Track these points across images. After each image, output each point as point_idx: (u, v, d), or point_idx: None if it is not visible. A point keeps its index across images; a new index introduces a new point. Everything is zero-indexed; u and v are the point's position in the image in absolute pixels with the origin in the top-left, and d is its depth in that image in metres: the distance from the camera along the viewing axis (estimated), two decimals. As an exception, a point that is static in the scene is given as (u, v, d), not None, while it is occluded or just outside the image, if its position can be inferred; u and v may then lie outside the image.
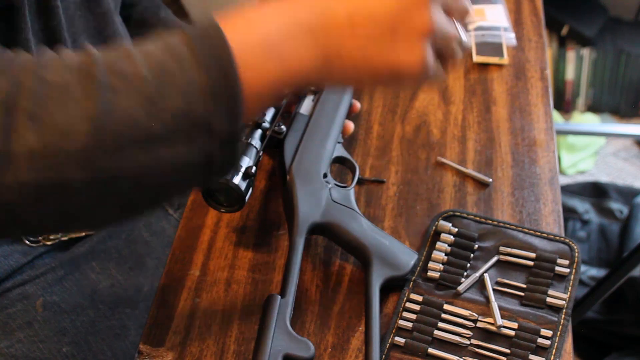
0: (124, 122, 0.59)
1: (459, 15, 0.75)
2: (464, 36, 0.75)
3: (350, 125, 1.03)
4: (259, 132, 0.93)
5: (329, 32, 0.67)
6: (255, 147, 0.91)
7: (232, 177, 0.86)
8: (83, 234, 1.05)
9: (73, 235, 1.03)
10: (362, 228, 0.90)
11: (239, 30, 0.64)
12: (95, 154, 0.58)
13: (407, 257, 0.90)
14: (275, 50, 0.65)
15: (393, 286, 0.90)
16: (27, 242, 1.00)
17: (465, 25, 0.76)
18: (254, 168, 0.88)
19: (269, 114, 0.96)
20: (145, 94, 0.60)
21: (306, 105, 1.00)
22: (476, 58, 1.19)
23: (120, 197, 0.62)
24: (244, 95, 0.63)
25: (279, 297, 0.82)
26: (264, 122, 0.94)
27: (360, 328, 0.88)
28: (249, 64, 0.63)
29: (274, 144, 0.95)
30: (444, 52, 0.73)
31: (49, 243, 1.02)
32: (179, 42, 0.62)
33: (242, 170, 0.87)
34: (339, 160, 0.99)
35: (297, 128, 0.97)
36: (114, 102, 0.59)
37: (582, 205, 2.16)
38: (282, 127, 0.96)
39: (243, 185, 0.87)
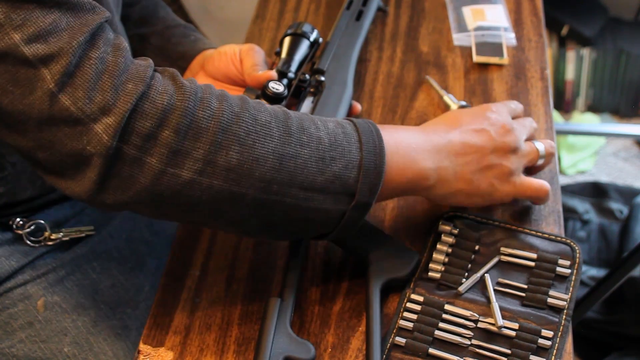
0: (301, 168, 0.77)
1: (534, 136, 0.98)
2: (541, 149, 0.96)
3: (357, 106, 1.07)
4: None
5: (446, 154, 0.87)
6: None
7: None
8: (84, 234, 1.05)
9: (74, 236, 1.03)
10: (363, 229, 0.90)
11: (390, 134, 0.84)
12: (271, 183, 0.76)
13: (407, 258, 0.90)
14: (410, 155, 0.85)
15: (394, 287, 0.90)
16: (28, 242, 1.00)
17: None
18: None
19: None
20: (320, 153, 0.78)
21: (305, 107, 1.00)
22: (476, 58, 1.19)
23: (271, 218, 0.79)
24: (384, 179, 0.81)
25: (279, 300, 0.82)
26: None
27: (361, 328, 0.88)
28: (391, 159, 0.83)
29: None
30: (530, 164, 0.96)
31: (50, 243, 1.02)
32: (348, 124, 0.82)
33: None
34: None
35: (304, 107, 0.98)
36: (298, 151, 0.77)
37: (582, 205, 2.15)
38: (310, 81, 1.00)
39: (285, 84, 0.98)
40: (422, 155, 0.85)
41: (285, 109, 0.81)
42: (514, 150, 0.91)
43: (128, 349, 1.00)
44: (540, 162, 0.96)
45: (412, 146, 0.85)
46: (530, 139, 0.96)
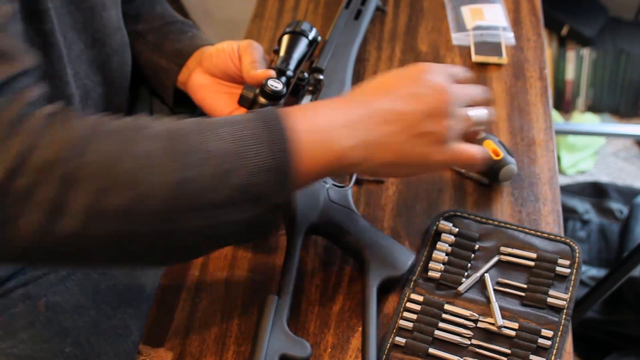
0: (199, 189, 0.70)
1: (480, 103, 0.90)
2: (472, 114, 0.87)
3: None
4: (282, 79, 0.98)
5: (370, 126, 0.80)
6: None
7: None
8: None
9: None
10: (360, 228, 0.90)
11: (303, 118, 0.77)
12: (168, 213, 0.70)
13: (404, 257, 0.90)
14: (328, 138, 0.77)
15: (391, 286, 0.90)
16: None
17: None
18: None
19: None
20: (219, 167, 0.71)
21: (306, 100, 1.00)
22: (475, 57, 1.19)
23: (180, 243, 0.73)
24: (296, 174, 0.75)
25: (277, 297, 0.82)
26: None
27: (360, 328, 0.87)
28: (305, 147, 0.75)
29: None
30: (464, 130, 0.87)
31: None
32: (254, 122, 0.75)
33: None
34: None
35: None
36: (192, 173, 0.70)
37: (582, 205, 2.15)
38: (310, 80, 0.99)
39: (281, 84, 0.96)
40: (341, 133, 0.78)
41: (178, 123, 0.73)
42: (448, 115, 0.83)
43: (129, 349, 1.00)
44: (474, 127, 0.89)
45: (330, 126, 0.78)
46: (470, 105, 0.89)
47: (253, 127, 0.74)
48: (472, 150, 0.86)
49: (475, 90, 0.89)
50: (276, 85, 0.97)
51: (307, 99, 1.01)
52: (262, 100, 0.98)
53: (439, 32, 1.24)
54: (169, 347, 0.86)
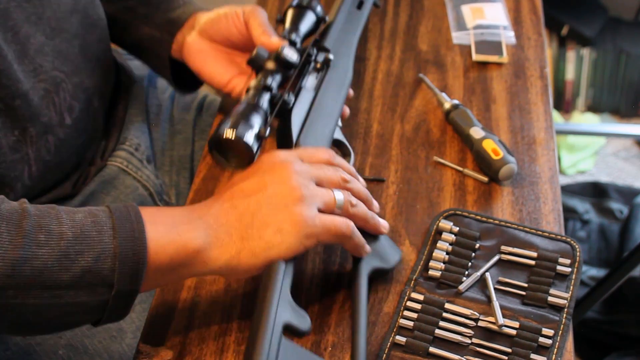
0: (39, 269, 0.71)
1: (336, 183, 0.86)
2: (337, 195, 0.84)
3: (347, 110, 1.04)
4: (267, 96, 0.92)
5: (218, 215, 0.80)
6: (264, 109, 0.90)
7: (245, 133, 0.86)
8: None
9: None
10: None
11: (149, 214, 0.78)
12: (5, 289, 0.70)
13: (394, 252, 0.91)
14: (175, 230, 0.77)
15: (377, 278, 0.90)
16: None
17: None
18: (267, 130, 0.88)
19: (275, 80, 0.94)
20: (63, 249, 0.72)
21: (310, 82, 0.98)
22: (475, 56, 1.19)
23: (22, 319, 0.73)
24: (147, 264, 0.75)
25: (284, 263, 0.81)
26: (272, 88, 0.92)
27: (361, 327, 0.87)
28: (151, 237, 0.75)
29: (279, 113, 0.94)
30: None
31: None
32: (102, 212, 0.76)
33: (255, 128, 0.87)
34: (336, 143, 0.98)
35: (303, 102, 0.96)
36: (35, 252, 0.71)
37: (582, 205, 2.15)
38: (292, 96, 0.94)
39: (252, 142, 0.87)
40: (186, 227, 0.78)
41: (25, 206, 0.74)
42: (299, 191, 0.81)
43: (123, 352, 1.00)
44: (338, 211, 0.84)
45: (175, 220, 0.79)
46: (335, 185, 0.86)
47: (105, 216, 0.75)
48: (339, 221, 0.83)
49: (329, 170, 0.87)
50: (292, 55, 0.94)
51: (312, 76, 0.99)
52: (270, 65, 0.94)
53: (439, 31, 1.24)
54: (168, 346, 0.86)
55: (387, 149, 1.06)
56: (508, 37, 1.21)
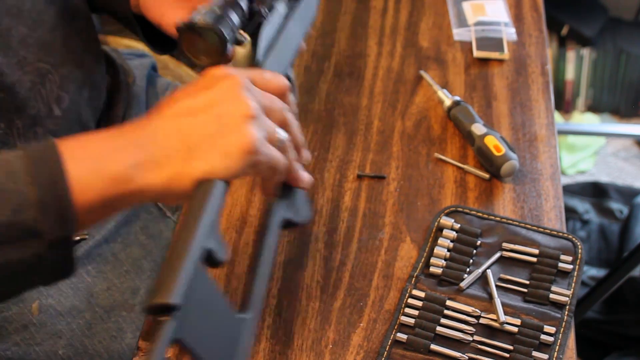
0: None
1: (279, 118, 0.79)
2: (279, 131, 0.77)
3: (304, 45, 0.98)
4: (238, 11, 0.86)
5: (155, 138, 0.72)
6: (242, 9, 0.85)
7: (221, 22, 0.81)
8: (77, 237, 1.03)
9: None
10: None
11: (73, 147, 0.70)
12: None
13: (307, 210, 0.86)
14: (102, 162, 0.70)
15: (285, 229, 0.85)
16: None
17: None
18: (244, 36, 0.84)
19: None
20: None
21: (282, 7, 0.93)
22: (476, 53, 1.18)
23: None
24: (72, 206, 0.68)
25: (224, 183, 0.74)
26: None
27: (362, 324, 0.87)
28: (75, 178, 0.69)
29: (251, 25, 0.88)
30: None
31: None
32: (16, 159, 0.69)
33: (231, 21, 0.82)
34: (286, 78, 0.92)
35: (273, 23, 0.90)
36: None
37: (582, 205, 2.15)
38: (266, 10, 0.89)
39: (227, 34, 0.81)
40: (115, 155, 0.71)
41: None
42: (251, 111, 0.74)
43: (123, 352, 0.99)
44: (281, 145, 0.78)
45: (102, 150, 0.71)
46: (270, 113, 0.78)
47: (20, 163, 0.69)
48: (278, 155, 0.77)
49: (278, 101, 0.80)
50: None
51: (282, 3, 0.93)
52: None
53: (440, 27, 1.24)
54: (168, 343, 0.86)
55: (388, 146, 1.06)
56: (509, 33, 1.21)
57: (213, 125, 0.73)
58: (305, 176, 0.82)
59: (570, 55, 2.49)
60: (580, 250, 0.92)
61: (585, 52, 2.48)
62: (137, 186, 0.71)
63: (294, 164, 0.80)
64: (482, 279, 0.90)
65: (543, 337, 0.84)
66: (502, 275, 0.90)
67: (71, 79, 0.99)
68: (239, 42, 0.84)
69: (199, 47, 0.83)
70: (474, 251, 0.92)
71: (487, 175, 1.01)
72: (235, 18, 0.84)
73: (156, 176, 0.71)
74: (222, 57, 0.82)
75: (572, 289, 0.89)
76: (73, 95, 0.99)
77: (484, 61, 1.18)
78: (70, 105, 0.99)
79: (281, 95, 0.80)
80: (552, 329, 0.85)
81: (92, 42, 1.06)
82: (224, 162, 0.72)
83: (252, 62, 0.86)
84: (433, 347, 0.84)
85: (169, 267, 0.64)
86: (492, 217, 0.96)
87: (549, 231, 0.94)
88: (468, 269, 0.91)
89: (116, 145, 0.71)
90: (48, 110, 0.95)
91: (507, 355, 0.83)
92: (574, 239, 0.93)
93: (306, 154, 0.84)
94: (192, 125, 0.73)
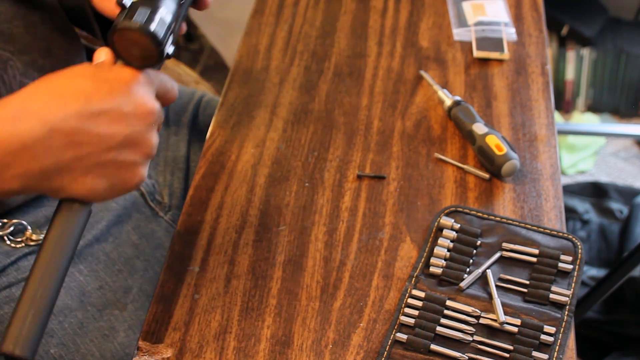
0: None
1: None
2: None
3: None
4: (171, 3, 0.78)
5: (46, 150, 0.66)
6: (168, 17, 0.76)
7: (146, 22, 0.73)
8: None
9: None
10: None
11: None
12: None
13: None
14: None
15: None
16: (7, 241, 0.99)
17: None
18: (181, 24, 0.78)
19: None
20: None
21: None
22: (476, 53, 1.18)
23: None
24: None
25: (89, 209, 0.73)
26: None
27: (362, 324, 0.87)
28: None
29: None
30: None
31: (32, 244, 1.00)
32: None
33: (157, 18, 0.74)
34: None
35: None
36: None
37: (582, 205, 2.15)
38: None
39: (160, 34, 0.74)
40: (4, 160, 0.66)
41: None
42: (148, 142, 0.72)
43: (115, 351, 0.99)
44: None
45: None
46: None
47: None
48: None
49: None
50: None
51: None
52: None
53: (440, 27, 1.24)
54: (168, 343, 0.86)
55: (388, 146, 1.06)
56: (509, 33, 1.21)
57: (109, 163, 0.70)
58: None
59: (570, 55, 2.49)
60: (580, 250, 0.92)
61: (585, 52, 2.48)
62: (16, 192, 0.68)
63: None
64: (482, 279, 0.90)
65: (543, 337, 0.84)
66: (502, 275, 0.90)
67: (36, 67, 0.98)
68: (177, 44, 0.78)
69: (133, 51, 0.75)
70: (474, 251, 0.92)
71: (487, 175, 1.01)
72: (169, 11, 0.76)
73: (53, 184, 0.69)
74: (159, 62, 0.76)
75: (572, 289, 0.89)
76: None
77: (484, 61, 1.18)
78: None
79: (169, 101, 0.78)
80: (552, 329, 0.85)
81: (63, 32, 1.03)
82: (96, 191, 0.70)
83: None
84: (433, 347, 0.84)
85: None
86: (492, 217, 0.95)
87: (549, 231, 0.94)
88: (468, 269, 0.91)
89: (8, 147, 0.66)
90: None
91: (507, 355, 0.83)
92: (574, 239, 0.93)
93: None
94: (100, 135, 0.68)
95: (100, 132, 0.68)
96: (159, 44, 0.73)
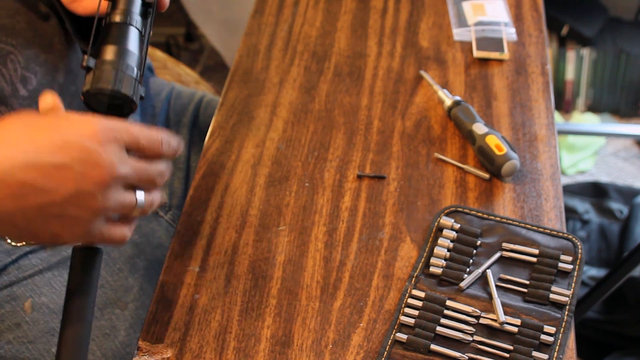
0: None
1: (148, 186, 0.76)
2: (140, 201, 0.74)
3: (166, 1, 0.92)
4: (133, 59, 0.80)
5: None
6: (137, 28, 0.80)
7: (121, 83, 0.76)
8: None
9: None
10: None
11: None
12: None
13: None
14: None
15: None
16: (8, 240, 0.99)
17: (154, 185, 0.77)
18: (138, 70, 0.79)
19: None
20: None
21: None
22: (476, 53, 1.18)
23: None
24: None
25: (101, 251, 0.77)
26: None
27: (362, 324, 0.87)
28: None
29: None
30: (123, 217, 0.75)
31: (32, 242, 1.00)
32: None
33: (131, 70, 0.78)
34: None
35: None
36: None
37: (582, 205, 2.15)
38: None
39: (129, 90, 0.77)
40: None
41: None
42: (99, 200, 0.69)
43: (117, 349, 0.99)
44: (135, 214, 0.76)
45: None
46: (140, 186, 0.75)
47: None
48: (118, 235, 0.75)
49: (154, 168, 0.76)
50: None
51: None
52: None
53: (440, 27, 1.24)
54: (168, 343, 0.86)
55: (388, 146, 1.06)
56: (509, 33, 1.21)
57: (55, 216, 0.69)
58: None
59: (570, 55, 2.49)
60: (580, 250, 0.92)
61: (585, 52, 2.48)
62: None
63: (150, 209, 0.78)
64: (482, 279, 0.90)
65: (543, 337, 0.84)
66: (502, 275, 0.90)
67: (39, 62, 0.98)
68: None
69: (103, 104, 0.77)
70: (474, 251, 0.92)
71: (487, 175, 1.01)
72: (134, 60, 0.78)
73: None
74: (131, 111, 0.78)
75: (572, 289, 0.89)
76: (42, 77, 0.98)
77: (484, 61, 1.18)
78: (39, 86, 0.97)
79: (157, 154, 0.76)
80: (552, 329, 0.85)
81: (64, 29, 1.03)
82: (54, 241, 0.71)
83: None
84: (433, 347, 0.84)
85: None
86: (492, 217, 0.95)
87: (549, 231, 0.94)
88: (468, 269, 0.91)
89: None
90: (13, 90, 0.95)
91: (507, 355, 0.83)
92: (574, 239, 0.93)
93: (163, 197, 0.81)
94: (36, 204, 0.67)
95: (44, 186, 0.67)
96: (132, 101, 0.76)
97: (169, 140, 0.77)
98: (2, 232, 0.71)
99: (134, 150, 0.74)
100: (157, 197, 0.77)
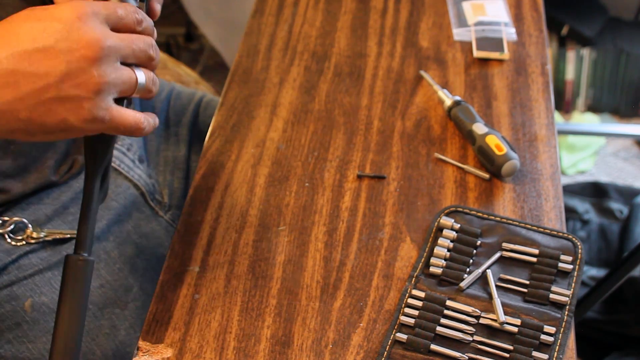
0: None
1: (143, 59, 0.75)
2: (141, 78, 0.74)
3: None
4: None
5: None
6: None
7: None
8: (67, 235, 1.03)
9: (57, 236, 1.02)
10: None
11: None
12: None
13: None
14: None
15: None
16: (8, 239, 0.99)
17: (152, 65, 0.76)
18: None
19: None
20: None
21: None
22: (476, 53, 1.18)
23: None
24: None
25: (92, 260, 0.79)
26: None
27: (362, 324, 0.87)
28: None
29: None
30: (124, 95, 0.74)
31: (32, 241, 1.00)
32: None
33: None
34: None
35: None
36: None
37: (582, 205, 2.15)
38: None
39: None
40: None
41: None
42: (95, 76, 0.69)
43: (117, 349, 0.99)
44: (137, 95, 0.75)
45: None
46: (136, 62, 0.75)
47: None
48: (130, 118, 0.74)
49: (142, 39, 0.74)
50: None
51: None
52: None
53: (440, 27, 1.24)
54: (168, 343, 0.86)
55: (388, 146, 1.06)
56: (509, 33, 1.21)
57: (53, 98, 0.69)
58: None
59: (570, 55, 2.49)
60: (580, 250, 0.92)
61: (585, 52, 2.48)
62: None
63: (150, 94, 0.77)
64: (482, 279, 0.90)
65: (543, 337, 0.84)
66: (502, 275, 0.90)
67: None
68: None
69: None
70: (474, 251, 0.92)
71: (487, 175, 1.01)
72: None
73: None
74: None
75: (572, 289, 0.89)
76: None
77: (484, 61, 1.18)
78: None
79: (137, 26, 0.75)
80: (552, 329, 0.85)
81: None
82: (62, 134, 0.71)
83: None
84: (433, 347, 0.84)
85: None
86: (492, 217, 0.95)
87: (549, 231, 0.94)
88: (468, 269, 0.91)
89: None
90: None
91: (507, 355, 0.83)
92: (574, 239, 0.93)
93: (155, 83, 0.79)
94: (31, 88, 0.68)
95: (34, 70, 0.67)
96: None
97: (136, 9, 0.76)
98: (10, 130, 0.70)
99: (114, 23, 0.73)
100: (156, 78, 0.77)
